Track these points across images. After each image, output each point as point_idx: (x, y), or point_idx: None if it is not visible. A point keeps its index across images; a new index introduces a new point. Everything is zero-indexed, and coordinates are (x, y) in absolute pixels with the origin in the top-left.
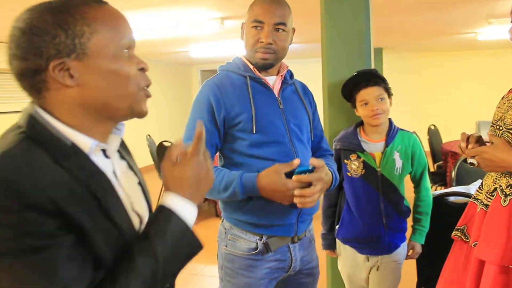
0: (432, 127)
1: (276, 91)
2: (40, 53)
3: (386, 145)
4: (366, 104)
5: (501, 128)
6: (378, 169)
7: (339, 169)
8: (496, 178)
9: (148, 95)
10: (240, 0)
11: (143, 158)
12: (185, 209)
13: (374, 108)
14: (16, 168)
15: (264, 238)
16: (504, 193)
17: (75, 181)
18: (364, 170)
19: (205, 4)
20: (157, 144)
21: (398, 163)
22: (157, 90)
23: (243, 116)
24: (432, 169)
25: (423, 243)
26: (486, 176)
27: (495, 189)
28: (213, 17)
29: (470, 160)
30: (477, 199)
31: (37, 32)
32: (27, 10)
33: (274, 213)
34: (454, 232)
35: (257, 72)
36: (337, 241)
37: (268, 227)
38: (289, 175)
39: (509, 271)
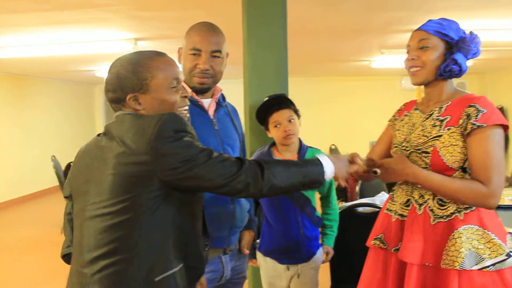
0: (333, 147)
1: (211, 112)
2: (121, 88)
3: None
4: (278, 125)
5: (408, 149)
6: None
7: None
8: (407, 191)
9: (185, 115)
10: (155, 23)
11: (47, 179)
12: (329, 169)
13: (286, 129)
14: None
15: None
16: (417, 203)
17: None
18: None
19: (120, 25)
20: (63, 164)
21: None
22: (56, 108)
23: None
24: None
25: (332, 246)
26: (396, 190)
27: (409, 200)
28: (126, 37)
29: (376, 170)
30: (391, 210)
31: (121, 76)
32: (117, 60)
33: (208, 225)
34: (373, 241)
35: (194, 95)
36: (258, 253)
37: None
38: None
39: (426, 268)
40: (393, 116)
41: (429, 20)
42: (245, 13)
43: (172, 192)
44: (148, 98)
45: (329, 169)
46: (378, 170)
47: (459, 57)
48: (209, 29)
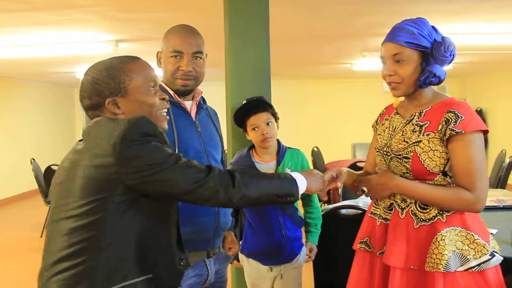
0: (315, 149)
1: (192, 114)
2: (99, 93)
3: (278, 163)
4: (255, 128)
5: (389, 154)
6: None
7: None
8: (391, 195)
9: (165, 117)
10: (136, 24)
11: (26, 182)
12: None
13: (264, 132)
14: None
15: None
16: (400, 207)
17: None
18: None
19: (100, 27)
20: (42, 168)
21: None
22: (35, 110)
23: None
24: None
25: (317, 244)
26: None
27: (391, 204)
28: (107, 39)
29: (361, 187)
30: (375, 213)
31: (97, 81)
32: (93, 65)
33: (193, 228)
34: (359, 245)
35: (176, 97)
36: (241, 255)
37: (187, 242)
38: None
39: (409, 272)
40: (375, 121)
41: (398, 28)
42: (227, 15)
43: (139, 199)
44: (127, 101)
45: (302, 184)
46: (365, 189)
47: (436, 69)
48: (188, 31)
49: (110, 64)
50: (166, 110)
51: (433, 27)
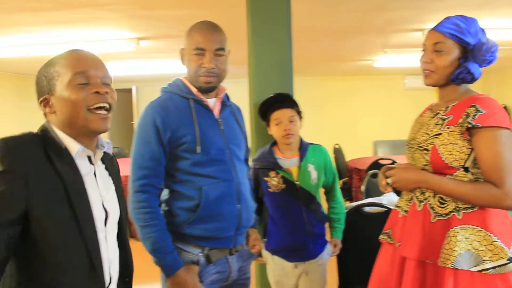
0: (337, 146)
1: (216, 112)
2: (38, 93)
3: (301, 159)
4: (279, 123)
5: (413, 146)
6: (297, 182)
7: (257, 186)
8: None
9: (98, 116)
10: (157, 22)
11: None
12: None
13: (286, 128)
14: (14, 145)
15: (205, 250)
16: (418, 199)
17: (55, 172)
18: (284, 185)
19: (122, 24)
20: None
21: (314, 174)
22: None
23: (188, 137)
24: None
25: (341, 239)
26: None
27: (412, 197)
28: (129, 37)
29: (387, 180)
30: (399, 206)
31: (37, 80)
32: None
33: (215, 226)
34: (381, 236)
35: (199, 94)
36: (265, 252)
37: (210, 239)
38: None
39: (425, 265)
40: (415, 120)
41: (448, 19)
42: (249, 12)
43: None
44: (56, 99)
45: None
46: (389, 181)
47: (472, 66)
48: (210, 28)
49: (50, 60)
50: (102, 105)
51: (482, 30)
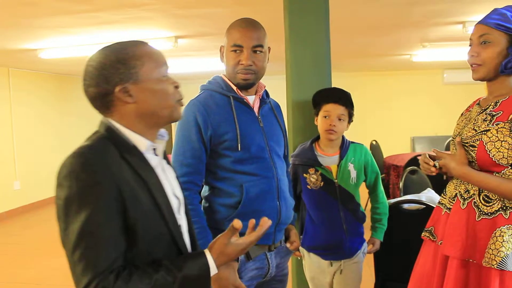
0: (374, 143)
1: (255, 109)
2: (108, 81)
3: (341, 158)
4: (326, 117)
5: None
6: (336, 181)
7: (296, 183)
8: (456, 185)
9: (181, 105)
10: (195, 20)
11: None
12: (213, 270)
13: (332, 123)
14: (95, 155)
15: None
16: (462, 197)
17: (132, 171)
18: (323, 183)
19: (160, 24)
20: None
21: (353, 173)
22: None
23: (229, 135)
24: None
25: (382, 240)
26: (448, 183)
27: (456, 194)
28: (167, 36)
29: (434, 162)
30: (442, 203)
31: (105, 66)
32: (97, 51)
33: (257, 223)
34: (423, 233)
35: (239, 92)
36: (302, 248)
37: None
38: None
39: (468, 265)
40: (461, 114)
41: (493, 10)
42: (286, 9)
43: None
44: (139, 89)
45: (212, 267)
46: (437, 164)
47: None
48: (249, 25)
49: (117, 48)
50: (181, 99)
51: None
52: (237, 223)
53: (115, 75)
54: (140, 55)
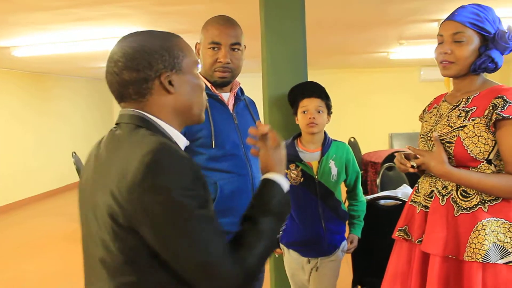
0: (352, 139)
1: (230, 107)
2: (151, 66)
3: (322, 154)
4: (305, 112)
5: (432, 139)
6: (316, 177)
7: None
8: (431, 182)
9: (206, 108)
10: (173, 17)
11: (69, 175)
12: (284, 182)
13: (311, 117)
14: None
15: None
16: (441, 194)
17: None
18: (303, 178)
19: (138, 21)
20: (83, 161)
21: (334, 170)
22: (81, 105)
23: (203, 132)
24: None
25: (360, 236)
26: (421, 181)
27: (432, 191)
28: None
29: (411, 163)
30: (415, 201)
31: (149, 51)
32: (134, 33)
33: (232, 219)
34: (397, 233)
35: (213, 89)
36: (282, 245)
37: (226, 233)
38: None
39: (449, 260)
40: (423, 111)
41: (463, 8)
42: (263, 6)
43: None
44: (181, 80)
45: (283, 182)
46: (415, 164)
47: (495, 54)
48: (227, 22)
49: (160, 35)
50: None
51: (498, 18)
52: (262, 127)
53: (159, 62)
54: (183, 47)
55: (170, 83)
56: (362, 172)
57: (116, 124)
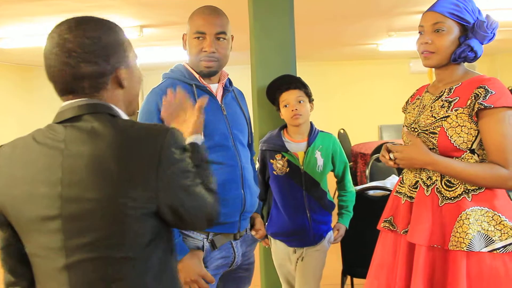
0: (342, 131)
1: (218, 98)
2: (108, 60)
3: (308, 145)
4: (287, 105)
5: (416, 130)
6: (302, 167)
7: (265, 169)
8: (416, 173)
9: None
10: (160, 9)
11: None
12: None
13: (293, 108)
14: None
15: (210, 236)
16: (425, 184)
17: None
18: (288, 169)
19: (125, 12)
20: None
21: (320, 161)
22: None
23: None
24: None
25: (347, 226)
26: (405, 172)
27: (417, 182)
28: (132, 24)
29: (390, 155)
30: (400, 192)
31: (107, 45)
32: (82, 21)
33: (221, 211)
34: (382, 224)
35: (202, 80)
36: (268, 236)
37: (214, 225)
38: None
39: (435, 250)
40: (406, 102)
41: None
42: None
43: None
44: (130, 74)
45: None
46: (392, 156)
47: (474, 43)
48: (212, 12)
49: (111, 27)
50: None
51: (478, 8)
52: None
53: (114, 56)
54: (129, 41)
55: (124, 77)
56: (351, 163)
57: (73, 117)
